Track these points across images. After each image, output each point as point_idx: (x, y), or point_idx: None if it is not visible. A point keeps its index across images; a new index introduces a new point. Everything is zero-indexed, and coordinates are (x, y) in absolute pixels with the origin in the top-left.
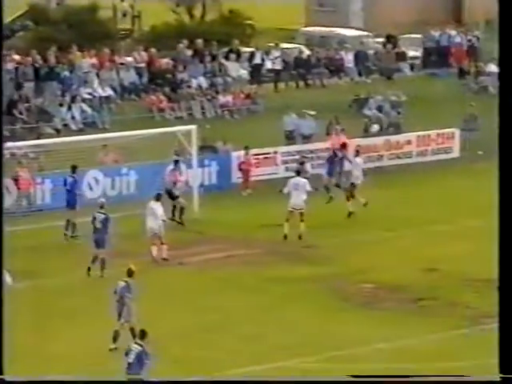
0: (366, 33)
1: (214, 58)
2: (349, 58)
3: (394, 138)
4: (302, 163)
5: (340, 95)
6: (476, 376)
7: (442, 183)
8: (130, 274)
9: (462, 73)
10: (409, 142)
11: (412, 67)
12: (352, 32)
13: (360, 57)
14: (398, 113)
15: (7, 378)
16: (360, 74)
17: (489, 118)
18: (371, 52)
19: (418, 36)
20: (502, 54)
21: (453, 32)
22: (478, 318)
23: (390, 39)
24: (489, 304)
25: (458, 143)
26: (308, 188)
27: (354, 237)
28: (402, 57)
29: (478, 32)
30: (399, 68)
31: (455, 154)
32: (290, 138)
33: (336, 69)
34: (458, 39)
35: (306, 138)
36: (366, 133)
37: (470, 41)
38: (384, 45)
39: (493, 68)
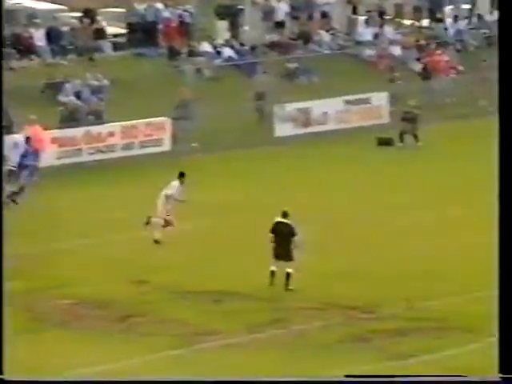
0: (59, 6)
1: None
2: (39, 36)
3: (94, 129)
4: None
5: (31, 79)
6: (476, 376)
7: (152, 180)
8: None
9: (173, 53)
10: (112, 134)
11: (115, 46)
12: (43, 5)
13: (53, 34)
14: (100, 99)
15: (7, 377)
16: (54, 55)
17: (205, 105)
18: (66, 29)
19: (121, 10)
20: (502, 55)
21: (160, 5)
22: (194, 336)
23: (88, 14)
24: (209, 320)
25: (169, 134)
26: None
27: (50, 245)
28: (101, 34)
29: (190, 6)
30: (99, 47)
31: (166, 146)
32: None
33: (25, 48)
34: (166, 14)
35: None
36: (62, 123)
37: (180, 16)
38: (81, 20)
39: (206, 47)
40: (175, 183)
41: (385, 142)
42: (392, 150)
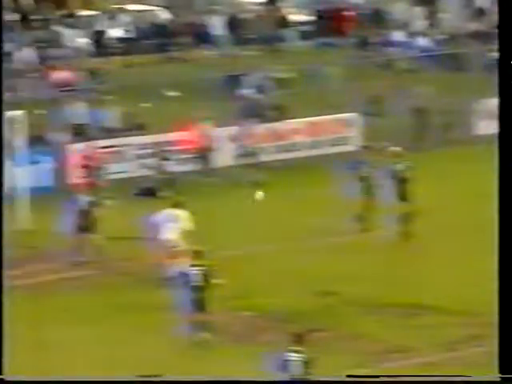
0: None
1: (45, 23)
2: (218, 24)
3: (278, 126)
4: (164, 159)
5: (208, 71)
6: (476, 376)
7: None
8: None
9: (363, 43)
10: (297, 131)
11: (301, 35)
12: None
13: (233, 22)
14: (284, 93)
15: (7, 377)
16: (233, 44)
17: (398, 100)
18: (248, 16)
19: None
20: (502, 55)
21: None
22: (384, 354)
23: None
24: (400, 336)
25: (357, 132)
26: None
27: (229, 252)
28: (284, 22)
29: None
30: (283, 36)
31: (351, 145)
32: (79, 133)
33: (201, 37)
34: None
35: (109, 132)
36: (242, 119)
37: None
38: (264, 7)
39: (399, 36)
40: None
41: None
42: None
